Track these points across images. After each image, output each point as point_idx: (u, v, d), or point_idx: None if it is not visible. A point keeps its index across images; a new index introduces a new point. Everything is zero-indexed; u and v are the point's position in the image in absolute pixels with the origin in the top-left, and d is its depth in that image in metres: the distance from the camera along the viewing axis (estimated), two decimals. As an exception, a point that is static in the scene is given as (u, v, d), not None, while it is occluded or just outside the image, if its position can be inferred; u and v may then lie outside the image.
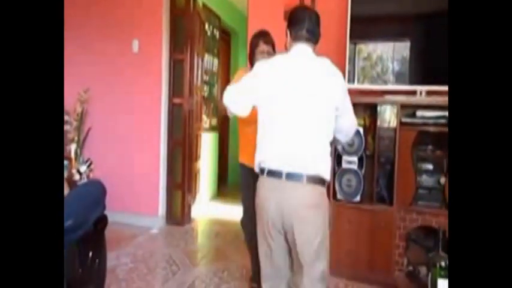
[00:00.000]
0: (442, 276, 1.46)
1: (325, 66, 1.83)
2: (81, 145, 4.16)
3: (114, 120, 4.22)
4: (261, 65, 1.91)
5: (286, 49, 1.92)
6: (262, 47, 2.54)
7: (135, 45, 4.11)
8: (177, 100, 4.19)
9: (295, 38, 1.85)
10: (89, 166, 4.09)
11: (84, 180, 4.01)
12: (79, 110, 4.15)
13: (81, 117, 4.18)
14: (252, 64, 2.53)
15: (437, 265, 1.48)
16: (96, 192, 2.33)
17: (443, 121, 2.74)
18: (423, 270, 2.64)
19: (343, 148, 2.84)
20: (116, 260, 3.16)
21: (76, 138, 4.14)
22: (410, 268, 2.77)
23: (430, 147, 2.86)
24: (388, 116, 2.91)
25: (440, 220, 2.70)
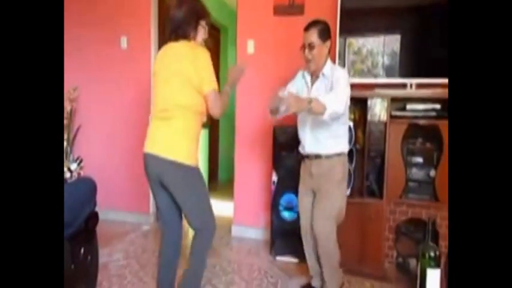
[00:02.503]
0: (431, 266, 1.48)
1: None
2: (71, 143, 4.13)
3: (103, 118, 4.19)
4: None
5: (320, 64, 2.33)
6: (205, 23, 2.14)
7: (124, 41, 4.07)
8: (167, 96, 4.16)
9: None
10: (79, 164, 4.05)
11: (75, 178, 3.98)
12: (68, 108, 4.11)
13: (71, 116, 4.14)
14: (190, 37, 2.06)
15: (427, 255, 1.50)
16: (87, 189, 2.32)
17: (433, 114, 2.77)
18: (413, 262, 2.67)
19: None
20: (108, 256, 3.15)
21: (66, 136, 4.10)
22: (400, 260, 2.80)
23: (420, 140, 2.88)
24: (378, 110, 2.91)
25: (430, 212, 2.73)
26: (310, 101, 2.05)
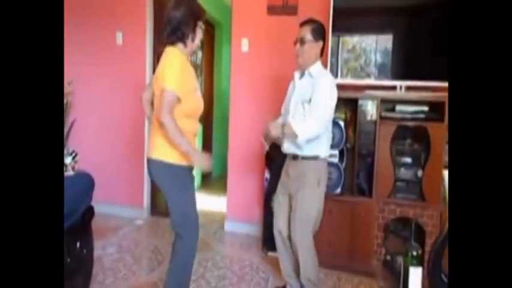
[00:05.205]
0: (413, 265, 1.55)
1: None
2: (65, 137, 4.16)
3: (98, 113, 4.22)
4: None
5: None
6: (202, 24, 2.16)
7: (119, 37, 4.10)
8: (161, 92, 4.19)
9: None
10: (73, 158, 4.08)
11: (69, 172, 4.01)
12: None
13: (65, 109, 4.16)
14: (189, 38, 2.08)
15: (409, 254, 1.57)
16: (83, 184, 2.37)
17: (421, 116, 2.85)
18: (400, 259, 2.74)
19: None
20: (102, 250, 3.20)
21: (60, 130, 4.13)
22: (388, 257, 2.88)
23: (408, 141, 2.95)
24: (369, 110, 2.99)
25: (417, 212, 2.81)
26: (283, 127, 2.24)
